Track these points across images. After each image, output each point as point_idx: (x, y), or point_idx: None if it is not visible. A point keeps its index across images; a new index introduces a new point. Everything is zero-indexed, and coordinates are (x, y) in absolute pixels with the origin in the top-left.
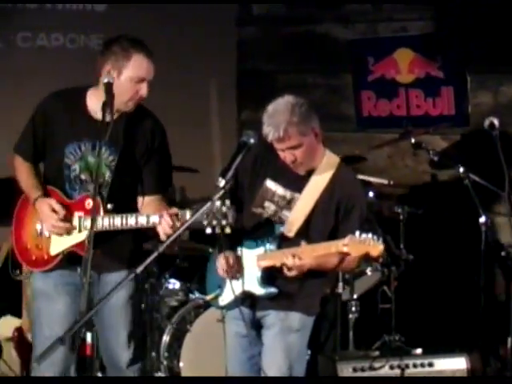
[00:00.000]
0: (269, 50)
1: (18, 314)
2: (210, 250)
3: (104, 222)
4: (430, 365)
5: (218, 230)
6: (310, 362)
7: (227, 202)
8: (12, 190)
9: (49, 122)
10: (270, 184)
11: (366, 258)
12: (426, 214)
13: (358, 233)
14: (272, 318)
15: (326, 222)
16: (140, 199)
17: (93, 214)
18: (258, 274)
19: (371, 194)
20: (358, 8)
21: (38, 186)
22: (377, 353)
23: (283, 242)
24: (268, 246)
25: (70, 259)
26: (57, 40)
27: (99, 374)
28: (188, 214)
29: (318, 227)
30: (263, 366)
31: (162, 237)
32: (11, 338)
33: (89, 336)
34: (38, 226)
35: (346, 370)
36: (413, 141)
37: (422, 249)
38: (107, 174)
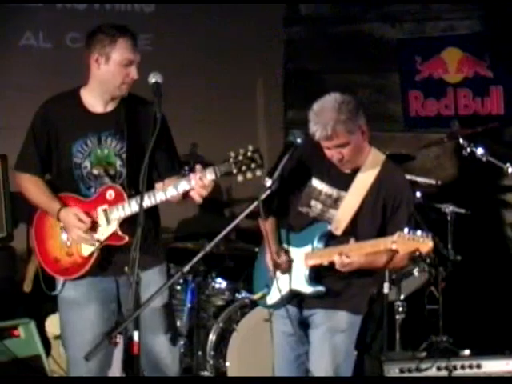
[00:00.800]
0: (316, 49)
1: None
2: (256, 249)
3: (132, 205)
4: (478, 366)
5: (249, 175)
6: (357, 363)
7: (250, 146)
8: None
9: (51, 127)
10: (316, 183)
11: (415, 256)
12: (474, 214)
13: (406, 229)
14: (319, 318)
15: (374, 220)
16: (159, 184)
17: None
18: (306, 272)
19: (418, 194)
20: (406, 7)
21: (54, 198)
22: (424, 354)
23: (330, 240)
24: (315, 244)
25: (101, 265)
26: None
27: (146, 374)
28: (210, 171)
29: (365, 225)
30: (310, 366)
31: (198, 200)
32: (59, 335)
33: (136, 334)
34: (64, 236)
35: (392, 371)
36: (461, 141)
37: (470, 249)
38: (118, 164)
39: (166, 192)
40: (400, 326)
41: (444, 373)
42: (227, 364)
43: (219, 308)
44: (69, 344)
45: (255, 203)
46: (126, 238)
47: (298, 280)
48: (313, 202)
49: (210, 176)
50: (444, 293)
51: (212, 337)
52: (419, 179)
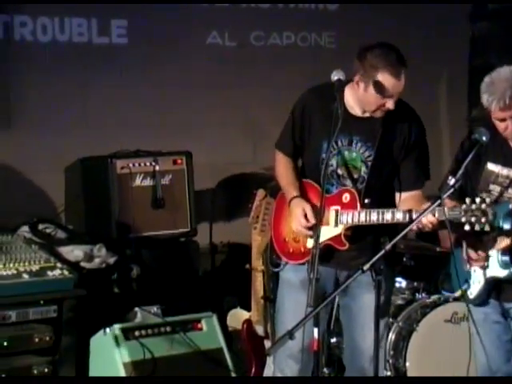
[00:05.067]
0: (503, 45)
1: (247, 308)
2: (438, 249)
3: (361, 216)
4: None
5: (477, 228)
6: None
7: (487, 199)
8: (243, 185)
9: (307, 117)
10: (492, 166)
11: None
12: None
13: None
14: None
15: None
16: (397, 195)
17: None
18: (498, 256)
19: None
20: None
21: (294, 184)
22: None
23: None
24: (502, 224)
25: (324, 255)
26: (288, 38)
27: (325, 370)
28: (445, 210)
29: None
30: None
31: (415, 229)
32: (240, 330)
33: (315, 331)
34: None
35: None
36: None
37: None
38: (363, 170)
39: (394, 214)
40: None
41: None
42: (407, 364)
43: (399, 307)
44: (278, 321)
45: (438, 201)
46: (347, 245)
47: (492, 266)
48: (491, 187)
49: (438, 215)
50: None
51: (391, 336)
52: None
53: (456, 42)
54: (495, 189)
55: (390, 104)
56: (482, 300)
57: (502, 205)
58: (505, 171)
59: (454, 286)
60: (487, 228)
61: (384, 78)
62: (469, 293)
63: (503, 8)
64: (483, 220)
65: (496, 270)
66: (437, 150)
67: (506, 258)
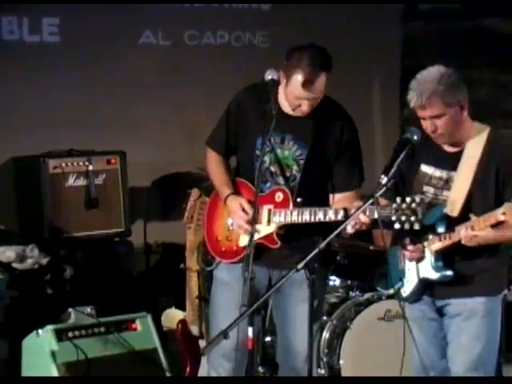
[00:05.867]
0: (435, 45)
1: (182, 307)
2: (371, 247)
3: (293, 215)
4: None
5: (406, 226)
6: None
7: (417, 198)
8: (178, 185)
9: (242, 115)
10: (425, 168)
11: None
12: None
13: None
14: (453, 308)
15: (488, 196)
16: (331, 196)
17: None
18: (432, 258)
19: None
20: None
21: (228, 183)
22: None
23: (450, 223)
24: (437, 228)
25: (257, 254)
26: (222, 38)
27: (260, 369)
28: (372, 211)
29: (480, 202)
30: (448, 355)
31: (349, 230)
32: (175, 330)
33: (250, 330)
34: (230, 221)
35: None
36: None
37: None
38: (295, 168)
39: (326, 213)
40: None
41: None
42: (341, 362)
43: (333, 305)
44: (212, 319)
45: (370, 200)
46: (279, 244)
47: (425, 268)
48: (425, 188)
49: (369, 213)
50: None
51: (326, 334)
52: None
53: (388, 42)
54: (429, 190)
55: (304, 106)
56: (415, 298)
57: (436, 207)
58: (437, 173)
59: (389, 283)
60: (417, 227)
61: (299, 79)
62: (402, 291)
63: (434, 8)
64: (413, 219)
65: (429, 272)
66: (370, 150)
67: (440, 263)
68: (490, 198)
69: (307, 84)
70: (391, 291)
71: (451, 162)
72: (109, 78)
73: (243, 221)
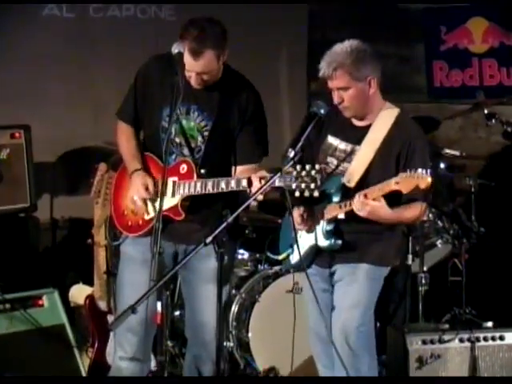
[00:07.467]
0: (340, 19)
1: (90, 283)
2: (279, 220)
3: (197, 186)
4: (501, 338)
5: (306, 194)
6: (380, 334)
7: (317, 166)
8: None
9: (149, 85)
10: (331, 139)
11: (438, 228)
12: (498, 186)
13: (408, 170)
14: (340, 272)
15: (387, 172)
16: (233, 168)
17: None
18: (324, 226)
19: (443, 165)
20: None
21: (136, 157)
22: (447, 325)
23: (347, 194)
24: (332, 197)
25: (164, 229)
26: (128, 10)
27: (169, 343)
28: (277, 177)
29: (377, 177)
30: (332, 319)
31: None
32: (82, 305)
33: (159, 305)
34: (135, 196)
35: (415, 343)
36: (486, 111)
37: (494, 221)
38: (199, 139)
39: (228, 183)
40: (423, 297)
41: (467, 344)
42: (249, 335)
43: (241, 279)
44: (119, 294)
45: (278, 174)
46: (183, 215)
47: (316, 235)
48: (329, 159)
49: (277, 183)
50: (467, 265)
51: (234, 307)
52: (443, 150)
53: (294, 16)
54: (332, 161)
55: (193, 79)
56: (303, 265)
57: (335, 178)
58: (342, 145)
59: (279, 249)
60: (316, 194)
61: (186, 53)
62: (291, 257)
63: None
64: (312, 186)
65: (319, 239)
66: (277, 125)
67: (330, 228)
68: (389, 175)
69: (193, 58)
70: (280, 257)
71: (357, 135)
72: (10, 51)
73: (140, 198)
